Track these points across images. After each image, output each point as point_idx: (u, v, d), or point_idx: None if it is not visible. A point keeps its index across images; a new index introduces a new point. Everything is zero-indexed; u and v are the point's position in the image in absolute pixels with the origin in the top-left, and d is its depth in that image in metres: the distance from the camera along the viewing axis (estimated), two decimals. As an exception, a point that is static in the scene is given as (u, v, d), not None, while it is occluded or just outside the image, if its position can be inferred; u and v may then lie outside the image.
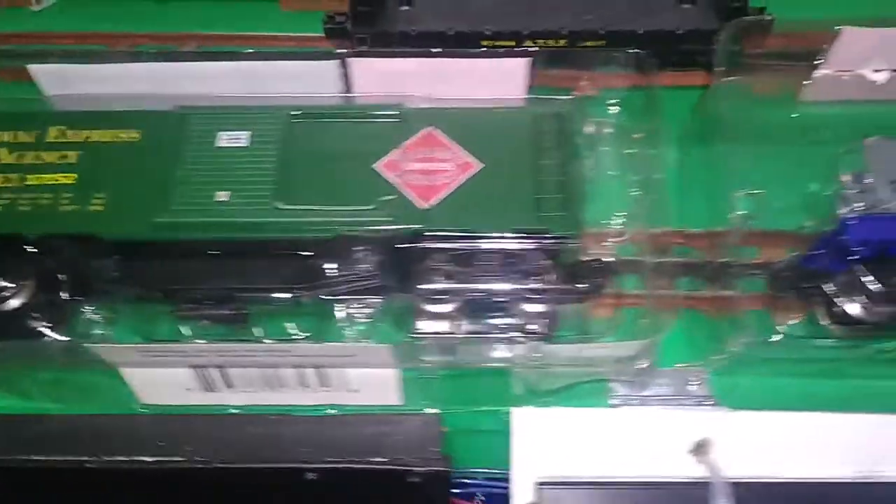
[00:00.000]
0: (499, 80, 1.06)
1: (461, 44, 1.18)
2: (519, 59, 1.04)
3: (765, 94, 1.10)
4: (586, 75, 1.10)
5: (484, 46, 1.19)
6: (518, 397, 0.99)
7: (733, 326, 0.97)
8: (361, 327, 0.98)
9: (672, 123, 1.09)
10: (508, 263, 0.94)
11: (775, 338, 0.98)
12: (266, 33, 1.32)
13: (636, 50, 1.07)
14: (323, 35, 1.24)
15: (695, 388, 1.01)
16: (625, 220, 1.03)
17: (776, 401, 0.97)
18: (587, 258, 0.98)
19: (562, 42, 1.18)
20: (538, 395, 0.99)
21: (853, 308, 0.94)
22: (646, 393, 1.01)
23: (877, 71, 1.05)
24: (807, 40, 1.06)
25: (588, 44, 1.17)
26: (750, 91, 1.09)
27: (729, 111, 1.06)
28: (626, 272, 1.01)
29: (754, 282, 1.01)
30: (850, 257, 0.92)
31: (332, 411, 1.01)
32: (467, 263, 0.94)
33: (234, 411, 1.01)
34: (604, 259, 0.99)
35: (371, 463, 0.98)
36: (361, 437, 1.00)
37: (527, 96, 1.08)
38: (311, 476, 0.99)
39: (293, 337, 0.98)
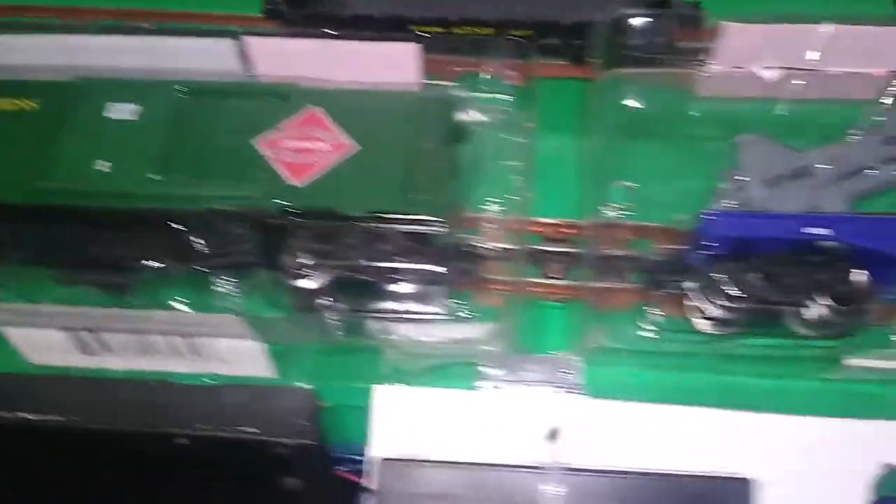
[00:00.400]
0: (390, 64, 1.07)
1: (392, 28, 1.20)
2: (407, 45, 1.06)
3: (660, 87, 1.09)
4: (484, 63, 1.10)
5: (413, 31, 1.20)
6: (388, 375, 1.00)
7: (604, 318, 0.98)
8: (235, 300, 1.00)
9: (568, 114, 1.10)
10: (375, 244, 0.96)
11: (644, 331, 0.99)
12: (200, 11, 1.34)
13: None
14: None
15: (567, 375, 1.02)
16: (502, 207, 1.03)
17: (645, 392, 0.97)
18: (458, 242, 0.99)
19: (487, 31, 1.18)
20: (407, 375, 1.00)
21: (713, 305, 0.94)
22: (517, 378, 1.01)
23: (767, 68, 1.04)
24: (704, 35, 1.06)
25: (515, 34, 1.17)
26: (644, 84, 1.09)
27: (616, 104, 1.06)
28: (499, 259, 1.02)
29: (627, 274, 1.01)
30: (708, 253, 0.92)
31: (209, 381, 1.03)
32: (333, 242, 0.96)
33: (116, 375, 1.03)
34: (474, 244, 1.00)
35: (239, 432, 1.00)
36: (232, 406, 1.01)
37: (421, 81, 1.08)
38: (182, 441, 1.02)
39: (171, 306, 1.00)
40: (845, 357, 0.93)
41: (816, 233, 0.91)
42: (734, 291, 0.92)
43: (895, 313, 0.96)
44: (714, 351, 0.98)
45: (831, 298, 0.91)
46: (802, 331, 0.95)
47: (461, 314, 0.98)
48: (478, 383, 1.01)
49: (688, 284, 0.95)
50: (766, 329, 0.96)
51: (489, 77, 1.10)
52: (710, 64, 1.06)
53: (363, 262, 0.96)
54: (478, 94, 1.09)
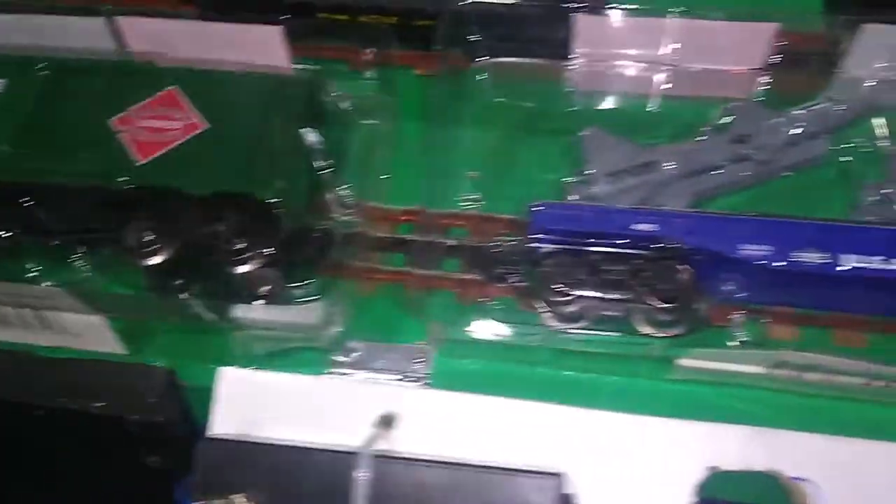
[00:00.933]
0: (258, 46, 1.08)
1: (321, 12, 1.18)
2: (272, 27, 1.06)
3: (522, 79, 1.09)
4: (350, 49, 1.11)
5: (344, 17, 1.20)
6: (238, 358, 1.01)
7: (452, 308, 0.99)
8: (87, 275, 1.02)
9: (430, 102, 1.10)
10: (214, 223, 0.97)
11: (487, 323, 0.99)
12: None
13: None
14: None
15: (417, 365, 1.02)
16: (360, 193, 1.04)
17: (490, 384, 0.96)
18: (307, 226, 1.00)
19: (352, 17, 1.18)
20: (255, 357, 1.01)
21: (548, 299, 0.95)
22: (367, 366, 1.02)
23: (627, 62, 1.04)
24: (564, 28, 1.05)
25: (381, 20, 1.17)
26: (506, 75, 1.09)
27: (477, 94, 1.07)
28: (353, 245, 1.03)
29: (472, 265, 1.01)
30: (540, 246, 0.92)
31: (64, 355, 1.04)
32: (173, 221, 0.97)
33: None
34: (327, 229, 1.01)
35: (91, 407, 1.02)
36: (88, 381, 1.04)
37: (288, 66, 1.09)
38: (38, 413, 1.04)
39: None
40: (678, 357, 0.93)
41: (644, 228, 0.90)
42: (564, 286, 0.92)
43: (730, 314, 0.94)
44: (554, 345, 0.97)
45: (655, 295, 0.91)
46: (643, 328, 0.94)
47: (305, 298, 0.99)
48: (327, 370, 1.01)
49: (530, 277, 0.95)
50: (610, 326, 0.95)
51: (355, 63, 1.10)
52: (572, 57, 1.05)
53: (204, 242, 0.97)
54: (343, 80, 1.09)
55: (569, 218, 0.92)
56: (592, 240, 0.92)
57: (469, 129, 1.08)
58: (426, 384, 0.99)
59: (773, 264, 0.88)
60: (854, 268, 0.87)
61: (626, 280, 0.92)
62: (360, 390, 0.98)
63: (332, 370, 1.01)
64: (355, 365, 1.01)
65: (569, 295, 0.92)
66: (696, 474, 0.88)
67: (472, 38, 1.07)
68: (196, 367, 1.01)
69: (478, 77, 1.10)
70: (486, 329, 0.97)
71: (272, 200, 0.96)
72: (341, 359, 1.02)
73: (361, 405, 0.96)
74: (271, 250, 0.98)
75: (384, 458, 0.89)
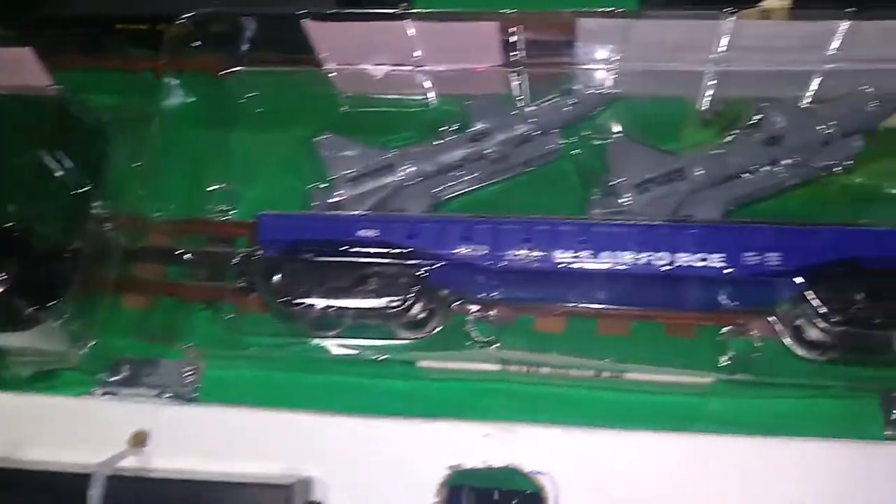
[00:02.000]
0: (12, 67, 1.08)
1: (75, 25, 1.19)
2: (22, 49, 1.06)
3: (278, 84, 1.10)
4: (110, 59, 1.11)
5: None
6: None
7: (209, 318, 1.00)
8: None
9: (193, 108, 1.10)
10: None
11: (242, 332, 0.99)
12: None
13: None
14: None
15: (188, 379, 1.02)
16: (115, 207, 1.04)
17: (255, 395, 0.97)
18: (56, 248, 1.00)
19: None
20: (19, 381, 1.01)
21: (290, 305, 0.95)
22: (136, 382, 1.02)
23: (377, 65, 1.05)
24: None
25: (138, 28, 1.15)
26: (265, 82, 1.09)
27: (237, 101, 1.07)
28: (108, 260, 1.03)
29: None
30: (269, 254, 0.93)
31: None
32: None
33: None
34: (74, 248, 1.01)
35: None
36: None
37: (45, 83, 1.09)
38: None
39: None
40: (419, 358, 0.94)
41: (368, 235, 0.91)
42: (297, 295, 0.93)
43: (465, 313, 0.96)
44: (307, 353, 0.98)
45: (387, 300, 0.92)
46: (385, 333, 0.96)
47: (52, 320, 0.98)
48: (95, 389, 1.01)
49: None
50: (354, 332, 0.96)
51: (123, 72, 1.10)
52: (325, 63, 1.06)
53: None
54: (103, 92, 1.09)
55: (293, 227, 0.93)
56: (323, 247, 0.93)
57: (229, 135, 1.09)
58: (193, 398, 1.00)
59: (488, 264, 0.89)
60: (565, 264, 0.89)
61: (355, 287, 0.93)
62: (120, 409, 0.99)
63: (101, 389, 1.01)
64: (123, 382, 1.01)
65: (302, 304, 0.93)
66: (440, 473, 0.90)
67: (224, 45, 1.07)
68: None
69: (235, 84, 1.09)
70: (248, 340, 0.98)
71: (9, 225, 0.96)
72: (110, 378, 1.02)
73: (120, 424, 0.96)
74: (15, 275, 0.98)
75: (120, 477, 0.90)
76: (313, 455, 0.93)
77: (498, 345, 0.95)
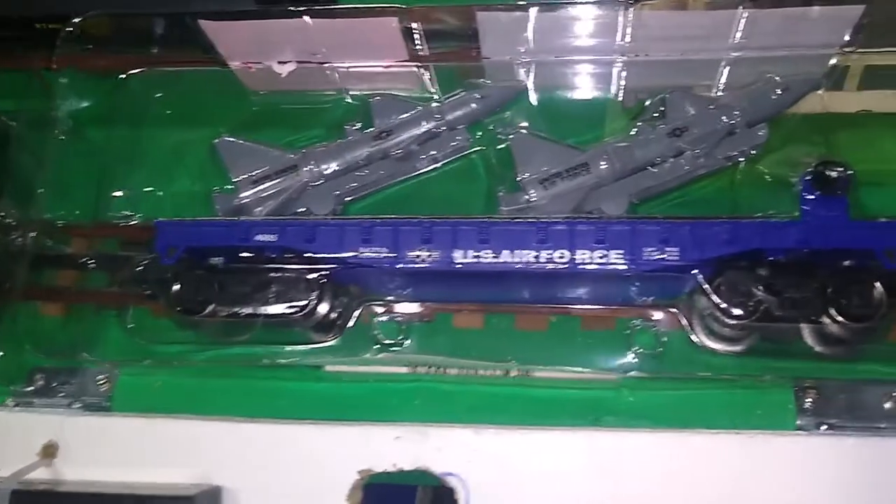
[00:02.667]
0: None
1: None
2: None
3: (188, 86, 1.07)
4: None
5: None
6: None
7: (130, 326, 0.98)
8: None
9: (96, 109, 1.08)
10: None
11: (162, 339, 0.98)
12: None
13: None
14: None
15: (101, 388, 1.00)
16: (18, 212, 1.02)
17: (169, 402, 0.96)
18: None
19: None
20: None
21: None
22: (49, 393, 0.99)
23: (282, 62, 1.02)
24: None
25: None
26: (169, 81, 1.07)
27: (142, 100, 1.05)
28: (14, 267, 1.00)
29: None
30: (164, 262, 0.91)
31: None
32: None
33: None
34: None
35: None
36: None
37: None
38: None
39: None
40: (325, 364, 0.93)
41: (265, 239, 0.90)
42: (199, 302, 0.91)
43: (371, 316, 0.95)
44: (218, 360, 0.97)
45: (289, 305, 0.90)
46: (293, 337, 0.95)
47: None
48: (8, 400, 0.98)
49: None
50: (264, 336, 0.95)
51: (13, 74, 1.07)
52: (230, 61, 1.04)
53: None
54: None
55: (191, 234, 0.91)
56: (224, 253, 0.92)
57: (134, 138, 1.07)
58: (106, 408, 0.97)
59: (388, 266, 0.88)
60: (464, 263, 0.88)
61: (255, 293, 0.91)
62: (32, 420, 0.97)
63: (14, 400, 0.99)
64: (37, 393, 0.99)
65: (201, 311, 0.91)
66: (351, 478, 0.89)
67: (127, 45, 1.05)
68: None
69: (137, 84, 1.07)
70: (158, 347, 0.97)
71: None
72: (24, 388, 1.00)
73: (31, 436, 0.95)
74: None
75: (24, 492, 0.89)
76: (224, 462, 0.92)
77: (406, 346, 0.94)
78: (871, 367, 0.89)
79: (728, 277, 0.85)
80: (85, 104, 1.06)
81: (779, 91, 0.94)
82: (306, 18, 0.97)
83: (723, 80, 0.99)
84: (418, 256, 0.88)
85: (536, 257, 0.87)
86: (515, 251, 0.87)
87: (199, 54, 1.03)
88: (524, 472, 0.88)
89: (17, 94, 1.10)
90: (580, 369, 0.91)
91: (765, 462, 0.86)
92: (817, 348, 0.88)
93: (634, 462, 0.88)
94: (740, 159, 0.95)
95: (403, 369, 0.93)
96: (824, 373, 0.88)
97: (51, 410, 0.97)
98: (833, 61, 0.96)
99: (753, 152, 0.94)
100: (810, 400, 0.87)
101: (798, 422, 0.87)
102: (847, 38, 0.93)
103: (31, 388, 0.98)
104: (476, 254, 0.87)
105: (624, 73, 1.01)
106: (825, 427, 0.86)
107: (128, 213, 1.02)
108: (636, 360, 0.92)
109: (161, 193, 1.03)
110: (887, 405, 0.86)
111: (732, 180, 0.95)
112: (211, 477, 0.91)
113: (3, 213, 1.02)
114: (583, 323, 0.95)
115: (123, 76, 1.07)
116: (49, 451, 0.94)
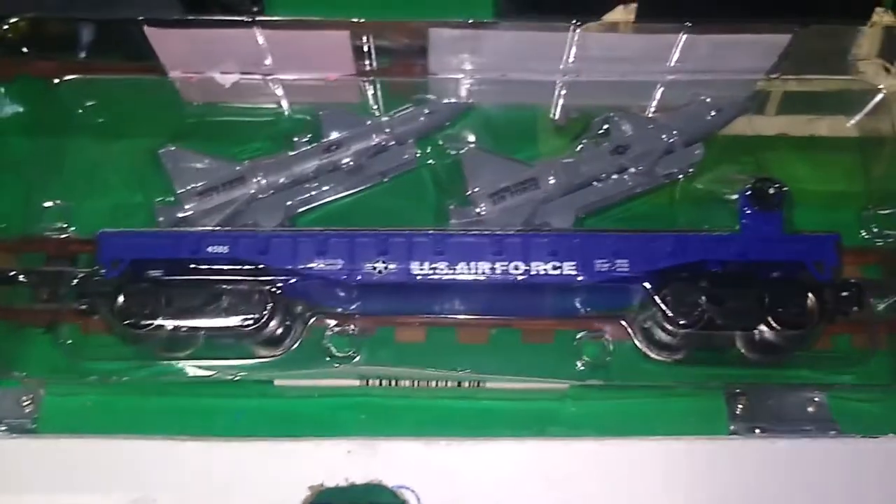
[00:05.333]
0: None
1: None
2: None
3: (121, 93, 1.05)
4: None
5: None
6: None
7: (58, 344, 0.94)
8: None
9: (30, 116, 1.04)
10: None
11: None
12: None
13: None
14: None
15: (26, 408, 0.95)
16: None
17: (100, 421, 0.93)
18: None
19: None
20: None
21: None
22: None
23: (225, 73, 1.01)
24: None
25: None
26: (108, 89, 1.04)
27: (75, 109, 1.02)
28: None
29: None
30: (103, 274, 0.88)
31: None
32: None
33: None
34: None
35: None
36: None
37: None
38: None
39: None
40: (277, 377, 0.91)
41: (217, 251, 0.88)
42: (142, 316, 0.88)
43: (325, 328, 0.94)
44: (157, 376, 0.94)
45: (240, 318, 0.89)
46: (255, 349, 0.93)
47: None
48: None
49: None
50: (209, 352, 0.93)
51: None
52: (164, 70, 1.01)
53: None
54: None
55: (137, 245, 0.89)
56: (172, 265, 0.89)
57: (65, 146, 1.03)
58: (31, 430, 0.93)
59: (343, 278, 0.88)
60: (420, 275, 0.88)
61: (205, 306, 0.89)
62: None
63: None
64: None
65: (149, 326, 0.88)
66: (301, 495, 0.88)
67: (58, 51, 1.01)
68: None
69: (70, 92, 1.04)
70: (91, 365, 0.93)
71: None
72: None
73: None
74: None
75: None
76: (163, 483, 0.89)
77: (357, 359, 0.93)
78: (798, 373, 0.94)
79: (673, 288, 0.89)
80: (14, 111, 1.01)
81: (713, 113, 0.99)
82: (256, 29, 0.97)
83: (657, 101, 1.04)
84: (374, 268, 0.88)
85: (492, 269, 0.88)
86: (472, 263, 0.88)
87: (136, 62, 1.01)
88: (474, 482, 0.89)
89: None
90: (531, 379, 0.92)
91: (701, 466, 0.90)
92: (750, 355, 0.93)
93: (578, 470, 0.89)
94: (679, 176, 0.99)
95: (354, 382, 0.92)
96: (755, 378, 0.93)
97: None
98: (758, 86, 1.02)
99: (691, 170, 0.99)
100: (741, 406, 0.91)
101: (731, 427, 0.91)
102: (772, 64, 1.00)
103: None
104: (432, 266, 0.88)
105: (563, 93, 1.05)
106: (758, 430, 0.90)
107: (62, 224, 0.97)
108: (581, 370, 0.94)
109: (94, 205, 0.99)
110: (810, 409, 0.91)
111: (672, 197, 1.00)
112: (150, 499, 0.88)
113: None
114: (524, 335, 0.97)
115: (55, 82, 1.03)
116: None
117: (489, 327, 0.97)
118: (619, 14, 0.99)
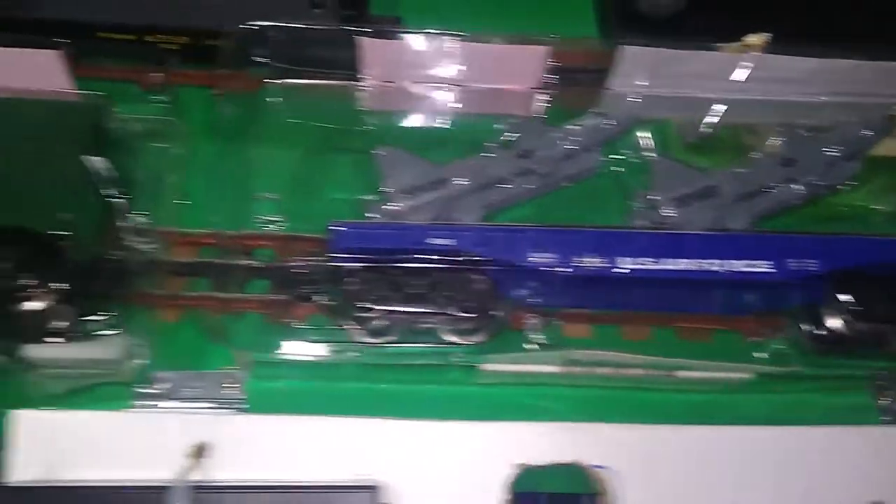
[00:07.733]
0: (36, 71, 1.03)
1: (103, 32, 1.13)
2: (50, 52, 1.02)
3: (317, 99, 1.11)
4: (138, 70, 1.08)
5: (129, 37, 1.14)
6: (32, 399, 0.95)
7: (260, 330, 0.99)
8: None
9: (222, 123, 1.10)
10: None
11: (296, 342, 0.99)
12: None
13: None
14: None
15: (230, 391, 1.00)
16: (155, 218, 1.01)
17: (304, 404, 0.97)
18: (98, 258, 0.96)
19: (137, 37, 1.14)
20: (52, 397, 0.95)
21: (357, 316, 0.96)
22: (176, 396, 0.98)
23: (415, 83, 1.08)
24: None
25: (168, 40, 1.15)
26: (301, 96, 1.10)
27: (272, 115, 1.07)
28: (146, 272, 1.00)
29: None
30: (340, 264, 0.94)
31: None
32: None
33: None
34: (117, 259, 0.97)
35: None
36: None
37: (70, 89, 1.05)
38: None
39: None
40: (481, 363, 0.97)
41: (439, 242, 0.94)
42: (367, 302, 0.94)
43: (526, 318, 1.00)
44: (364, 360, 0.99)
45: (455, 306, 0.95)
46: (447, 338, 0.98)
47: (102, 332, 0.95)
48: (133, 403, 0.97)
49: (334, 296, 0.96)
50: (417, 337, 0.98)
51: (144, 84, 1.07)
52: (361, 78, 1.08)
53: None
54: (131, 103, 1.06)
55: (366, 236, 0.95)
56: (392, 256, 0.96)
57: (265, 149, 1.09)
58: (240, 409, 0.97)
59: (559, 270, 0.95)
60: (630, 269, 0.96)
61: (427, 293, 0.96)
62: (168, 422, 0.95)
63: (139, 403, 0.97)
64: (163, 396, 0.97)
65: (372, 311, 0.95)
66: (506, 472, 0.93)
67: (260, 59, 1.07)
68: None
69: (270, 98, 1.10)
70: (296, 349, 0.98)
71: (56, 233, 0.91)
72: (148, 391, 0.98)
73: (171, 437, 0.93)
74: (61, 285, 0.93)
75: (199, 489, 0.87)
76: (379, 460, 0.93)
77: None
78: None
79: (859, 286, 0.97)
80: (214, 118, 1.08)
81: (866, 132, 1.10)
82: (453, 42, 1.05)
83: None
84: (583, 262, 0.95)
85: (698, 265, 0.96)
86: (677, 259, 0.96)
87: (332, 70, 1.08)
88: (675, 466, 0.95)
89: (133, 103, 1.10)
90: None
91: (851, 454, 0.97)
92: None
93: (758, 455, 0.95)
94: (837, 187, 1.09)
95: (554, 369, 0.99)
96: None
97: (193, 411, 0.96)
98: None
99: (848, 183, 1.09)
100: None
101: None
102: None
103: (156, 390, 0.97)
104: (639, 260, 0.96)
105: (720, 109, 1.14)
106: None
107: (273, 220, 1.03)
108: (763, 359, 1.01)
109: (299, 202, 1.05)
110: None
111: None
112: (371, 474, 0.92)
113: (133, 218, 1.02)
114: (681, 333, 1.04)
115: (259, 91, 1.10)
116: (200, 452, 0.93)
117: (649, 325, 1.04)
118: (754, 38, 1.09)
